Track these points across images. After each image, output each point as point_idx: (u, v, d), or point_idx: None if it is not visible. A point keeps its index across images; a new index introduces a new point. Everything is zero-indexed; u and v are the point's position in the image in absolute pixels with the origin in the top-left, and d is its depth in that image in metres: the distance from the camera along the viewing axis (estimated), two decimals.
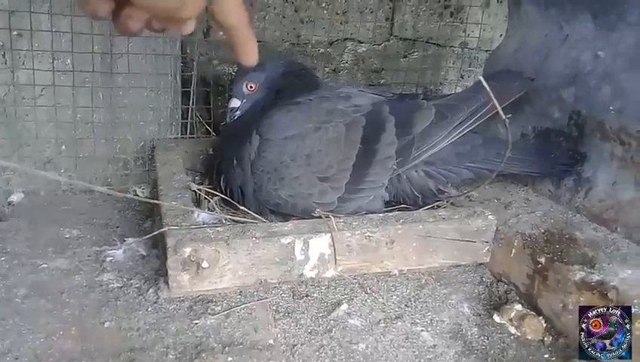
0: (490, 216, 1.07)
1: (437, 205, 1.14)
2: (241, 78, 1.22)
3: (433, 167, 1.16)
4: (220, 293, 0.97)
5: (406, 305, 1.00)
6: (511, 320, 0.97)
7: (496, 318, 0.98)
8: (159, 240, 1.02)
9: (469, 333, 0.95)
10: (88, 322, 0.87)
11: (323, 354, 0.86)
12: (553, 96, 1.21)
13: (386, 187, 1.14)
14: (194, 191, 1.15)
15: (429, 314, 0.98)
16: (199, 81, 1.48)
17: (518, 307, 0.99)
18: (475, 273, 1.11)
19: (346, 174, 1.10)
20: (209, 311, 0.93)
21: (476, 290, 1.06)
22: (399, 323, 0.95)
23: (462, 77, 1.72)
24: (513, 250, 1.04)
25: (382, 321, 0.95)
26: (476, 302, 1.03)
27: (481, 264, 1.12)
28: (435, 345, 0.91)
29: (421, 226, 1.04)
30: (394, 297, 1.02)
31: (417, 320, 0.96)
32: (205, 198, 1.14)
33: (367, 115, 1.14)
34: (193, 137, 1.43)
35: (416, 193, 1.17)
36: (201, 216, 1.04)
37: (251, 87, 1.21)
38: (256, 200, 1.12)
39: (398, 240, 1.03)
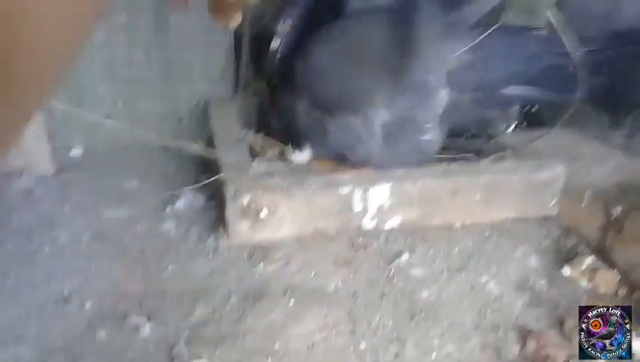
0: (558, 167, 1.02)
1: (502, 155, 1.08)
2: (279, 18, 1.21)
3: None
4: (279, 242, 0.96)
5: (469, 257, 0.97)
6: (582, 273, 0.92)
7: (566, 271, 0.93)
8: (217, 191, 1.01)
9: (537, 285, 0.91)
10: (151, 266, 0.88)
11: (385, 302, 0.84)
12: None
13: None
14: (250, 144, 1.14)
15: (493, 265, 0.95)
16: (252, 37, 1.46)
17: (589, 260, 0.94)
18: (542, 226, 1.06)
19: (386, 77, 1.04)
20: (268, 258, 0.92)
21: (543, 244, 1.02)
22: (463, 274, 0.92)
23: None
24: (584, 202, 0.99)
25: (445, 271, 0.92)
26: (543, 255, 0.98)
27: (547, 218, 1.07)
28: (501, 296, 0.88)
29: (485, 177, 1.00)
30: (456, 249, 0.99)
31: (482, 272, 0.93)
32: (261, 150, 1.12)
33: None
34: (246, 93, 1.41)
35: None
36: (259, 166, 1.03)
37: (290, 24, 1.20)
38: (306, 115, 1.09)
39: (461, 191, 0.99)
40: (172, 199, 1.06)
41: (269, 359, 0.71)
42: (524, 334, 0.79)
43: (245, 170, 0.98)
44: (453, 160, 1.04)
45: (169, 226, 0.99)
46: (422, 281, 0.90)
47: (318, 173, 1.03)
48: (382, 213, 0.99)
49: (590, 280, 0.91)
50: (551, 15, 0.89)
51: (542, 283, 0.91)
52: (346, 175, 0.99)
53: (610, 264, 0.93)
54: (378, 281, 0.89)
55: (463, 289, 0.89)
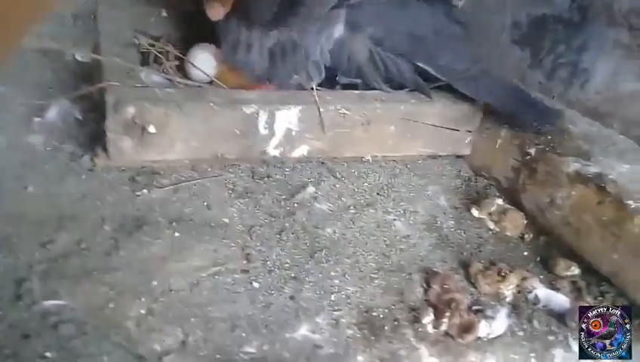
0: (477, 102, 0.96)
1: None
2: None
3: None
4: (168, 166, 0.84)
5: (378, 193, 0.90)
6: (490, 214, 0.89)
7: (475, 212, 0.90)
8: (98, 103, 0.86)
9: (444, 226, 0.86)
10: (7, 185, 0.73)
11: (285, 238, 0.76)
12: None
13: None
14: (143, 51, 0.98)
15: (402, 203, 0.89)
16: None
17: (499, 201, 0.91)
18: (453, 166, 1.01)
19: None
20: (155, 183, 0.80)
21: (453, 183, 0.97)
22: (370, 210, 0.86)
23: None
24: (499, 141, 0.95)
25: (351, 207, 0.86)
26: (453, 196, 0.94)
27: (459, 157, 1.02)
28: (408, 235, 0.83)
29: (402, 107, 0.92)
30: (365, 184, 0.92)
31: (390, 209, 0.87)
32: (157, 60, 0.97)
33: None
34: None
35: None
36: (151, 76, 0.89)
37: None
38: None
39: (375, 121, 0.91)
40: (43, 109, 0.89)
41: (143, 298, 0.61)
42: (429, 277, 0.74)
43: (133, 78, 0.84)
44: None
45: (35, 140, 0.83)
46: (326, 217, 0.82)
47: (220, 89, 0.91)
48: (289, 140, 0.89)
49: (498, 222, 0.88)
50: None
51: (450, 223, 0.87)
52: (252, 93, 0.87)
53: (519, 207, 0.90)
54: (278, 215, 0.80)
55: (369, 227, 0.82)
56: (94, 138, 0.84)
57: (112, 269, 0.63)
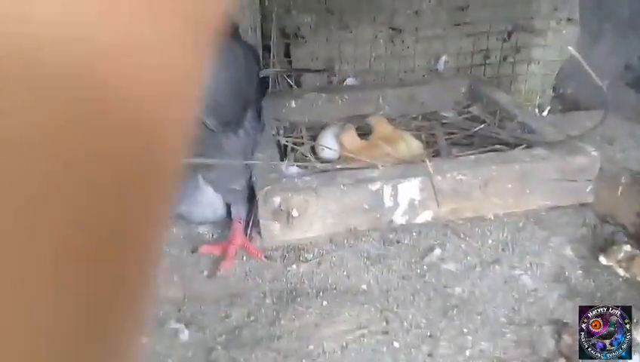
0: (593, 153, 0.99)
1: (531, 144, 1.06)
2: None
3: None
4: (310, 242, 0.97)
5: (503, 249, 0.96)
6: (619, 261, 0.91)
7: (603, 260, 0.92)
8: (249, 196, 1.03)
9: (572, 276, 0.90)
10: (187, 271, 0.91)
11: (418, 299, 0.85)
12: None
13: None
14: (280, 145, 1.15)
15: (528, 257, 0.94)
16: (279, 33, 1.47)
17: (627, 248, 0.92)
18: (577, 215, 1.04)
19: None
20: (301, 258, 0.94)
21: (579, 233, 1.00)
22: (496, 267, 0.92)
23: (556, 9, 1.59)
24: (620, 188, 0.97)
25: (478, 265, 0.92)
26: (579, 245, 0.97)
27: (583, 205, 1.05)
28: (536, 289, 0.87)
29: (517, 166, 0.98)
30: (489, 241, 0.98)
31: (516, 264, 0.93)
32: (292, 150, 1.14)
33: None
34: (276, 91, 1.43)
35: None
36: (289, 167, 1.04)
37: None
38: None
39: (492, 182, 0.98)
40: None
41: (304, 360, 0.73)
42: (560, 328, 0.78)
43: (275, 171, 0.99)
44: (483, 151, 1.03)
45: (203, 229, 1.01)
46: (454, 277, 0.90)
47: (347, 171, 1.03)
48: (413, 208, 0.99)
49: (628, 268, 0.89)
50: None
51: (578, 273, 0.90)
52: (376, 172, 0.99)
53: None
54: (410, 278, 0.90)
55: (497, 283, 0.88)
56: (249, 225, 1.00)
57: (276, 337, 0.77)
